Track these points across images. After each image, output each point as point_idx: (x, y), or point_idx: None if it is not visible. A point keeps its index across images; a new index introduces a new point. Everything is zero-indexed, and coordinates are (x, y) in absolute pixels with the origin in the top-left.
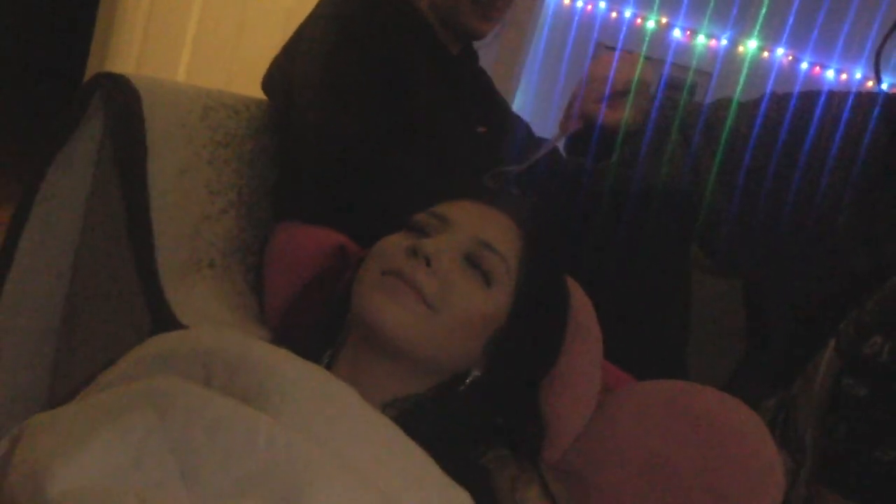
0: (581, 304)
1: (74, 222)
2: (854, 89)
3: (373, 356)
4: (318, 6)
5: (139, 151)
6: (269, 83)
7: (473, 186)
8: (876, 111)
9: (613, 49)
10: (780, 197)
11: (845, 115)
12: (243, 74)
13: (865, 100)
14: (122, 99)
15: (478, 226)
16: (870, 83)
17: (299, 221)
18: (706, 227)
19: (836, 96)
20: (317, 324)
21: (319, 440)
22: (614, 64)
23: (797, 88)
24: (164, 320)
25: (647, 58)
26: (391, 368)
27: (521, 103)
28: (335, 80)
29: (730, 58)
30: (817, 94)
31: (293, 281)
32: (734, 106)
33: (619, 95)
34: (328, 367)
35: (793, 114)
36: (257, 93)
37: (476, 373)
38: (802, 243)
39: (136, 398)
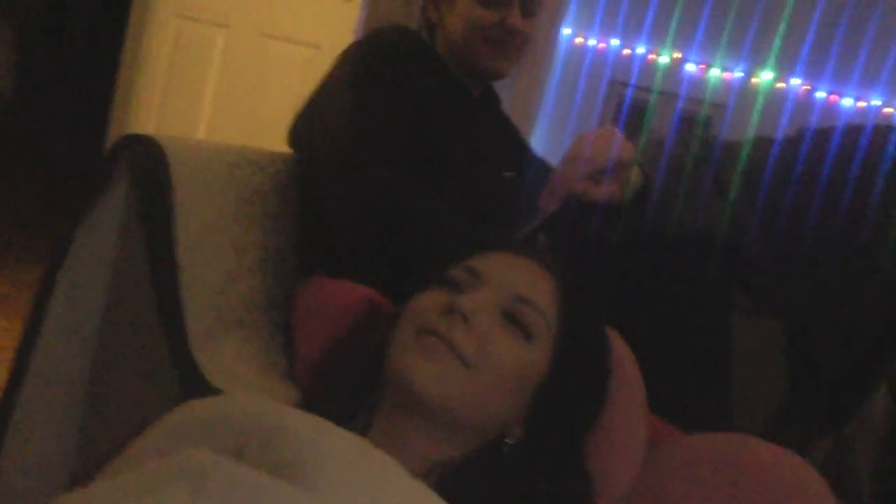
0: (622, 354)
1: (101, 286)
2: (872, 116)
3: (410, 419)
4: (340, 56)
5: (166, 213)
6: (293, 135)
7: (505, 238)
8: None
9: (626, 85)
10: (823, 236)
11: (890, 151)
12: (264, 127)
13: None
14: (149, 160)
15: (513, 280)
16: (887, 110)
17: (326, 276)
18: (747, 269)
19: (882, 129)
20: (349, 385)
21: None
22: (617, 142)
23: (814, 118)
24: (194, 382)
25: (658, 93)
26: (429, 431)
27: (534, 142)
28: (359, 127)
29: (744, 90)
30: (859, 128)
31: (322, 338)
32: (750, 143)
33: (599, 173)
34: (363, 430)
35: (836, 150)
36: (278, 146)
37: (518, 432)
38: (847, 282)
39: (169, 475)
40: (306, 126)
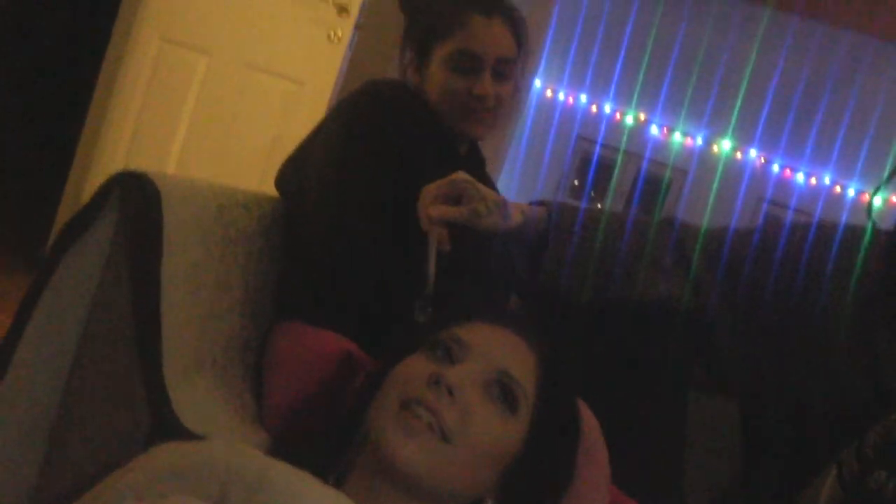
0: (590, 427)
1: (79, 317)
2: (823, 194)
3: (386, 484)
4: (336, 106)
5: (155, 251)
6: (282, 180)
7: (490, 307)
8: (865, 246)
9: (594, 142)
10: (780, 319)
11: (834, 246)
12: (237, 161)
13: (858, 233)
14: (142, 197)
15: (499, 354)
16: (837, 189)
17: (302, 320)
18: (707, 346)
19: (827, 227)
20: (323, 437)
21: None
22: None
23: (769, 190)
24: (166, 421)
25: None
26: (405, 499)
27: (505, 192)
28: (349, 185)
29: (705, 156)
30: (807, 225)
31: (296, 385)
32: (706, 230)
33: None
34: (337, 485)
35: (786, 243)
36: (248, 181)
37: (489, 502)
38: (802, 366)
39: None
40: (295, 173)
